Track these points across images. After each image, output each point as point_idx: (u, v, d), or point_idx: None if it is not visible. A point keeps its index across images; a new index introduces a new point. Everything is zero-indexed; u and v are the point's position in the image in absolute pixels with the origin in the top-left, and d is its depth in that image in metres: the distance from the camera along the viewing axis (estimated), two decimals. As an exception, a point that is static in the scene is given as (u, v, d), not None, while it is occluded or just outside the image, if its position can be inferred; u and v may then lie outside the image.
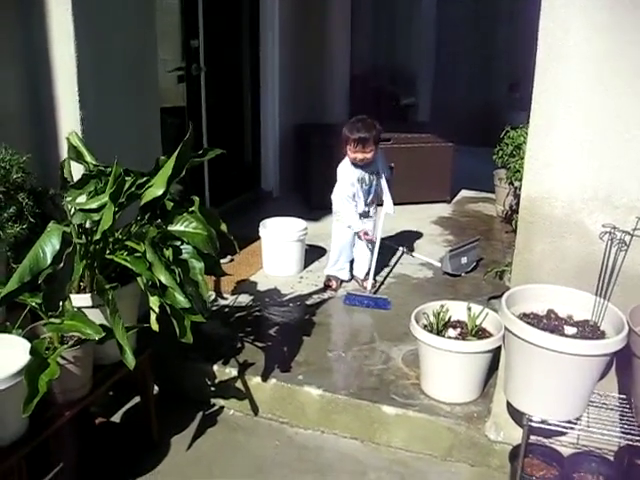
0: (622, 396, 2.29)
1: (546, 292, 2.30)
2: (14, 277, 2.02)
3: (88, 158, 2.50)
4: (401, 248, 4.40)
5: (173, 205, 2.38)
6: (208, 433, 2.81)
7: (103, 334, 2.11)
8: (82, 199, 2.32)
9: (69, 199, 2.33)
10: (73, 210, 2.30)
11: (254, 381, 2.91)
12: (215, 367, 2.98)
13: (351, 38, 6.93)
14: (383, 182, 3.76)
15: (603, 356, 2.05)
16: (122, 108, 3.08)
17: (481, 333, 2.80)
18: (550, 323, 2.23)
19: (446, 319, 2.84)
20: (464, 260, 4.09)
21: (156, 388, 2.98)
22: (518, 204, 2.37)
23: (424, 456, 2.69)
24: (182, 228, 2.33)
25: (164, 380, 3.01)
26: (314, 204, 5.02)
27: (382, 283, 3.93)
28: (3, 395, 1.94)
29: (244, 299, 3.68)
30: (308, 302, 3.67)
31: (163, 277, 2.13)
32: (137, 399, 2.87)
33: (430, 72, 8.56)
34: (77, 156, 2.50)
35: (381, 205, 3.82)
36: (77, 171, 2.54)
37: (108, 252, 2.34)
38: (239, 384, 2.93)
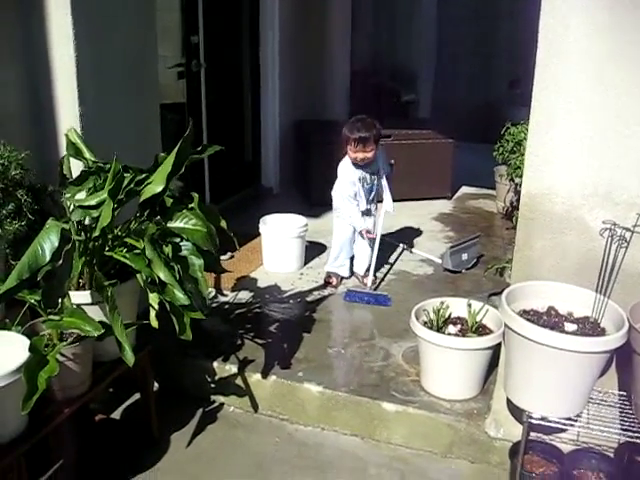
0: (622, 393, 2.29)
1: (546, 289, 2.30)
2: (13, 274, 2.02)
3: (87, 155, 2.49)
4: (401, 245, 4.40)
5: (172, 202, 2.38)
6: (208, 430, 2.81)
7: (102, 331, 2.11)
8: (81, 196, 2.31)
9: (68, 196, 2.32)
10: (72, 207, 2.29)
11: (254, 378, 2.91)
12: (215, 364, 2.98)
13: (352, 35, 6.91)
14: (383, 180, 3.76)
15: (603, 353, 2.05)
16: (122, 106, 3.08)
17: (481, 330, 2.80)
18: (550, 320, 2.23)
19: (446, 316, 2.83)
20: (464, 257, 4.08)
21: (156, 385, 2.98)
22: (519, 200, 2.37)
23: (424, 453, 2.69)
24: (181, 225, 2.32)
25: (164, 377, 3.01)
26: (314, 200, 5.01)
27: (382, 279, 3.92)
28: (2, 392, 1.93)
29: (244, 296, 3.68)
30: (308, 299, 3.67)
31: (162, 274, 2.13)
32: (137, 396, 2.87)
33: (430, 69, 8.55)
34: (76, 153, 2.50)
35: (381, 202, 3.82)
36: (76, 168, 2.54)
37: (107, 249, 2.34)
38: (239, 381, 2.93)
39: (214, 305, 3.54)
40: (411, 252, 4.34)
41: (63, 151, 2.57)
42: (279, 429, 2.84)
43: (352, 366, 3.01)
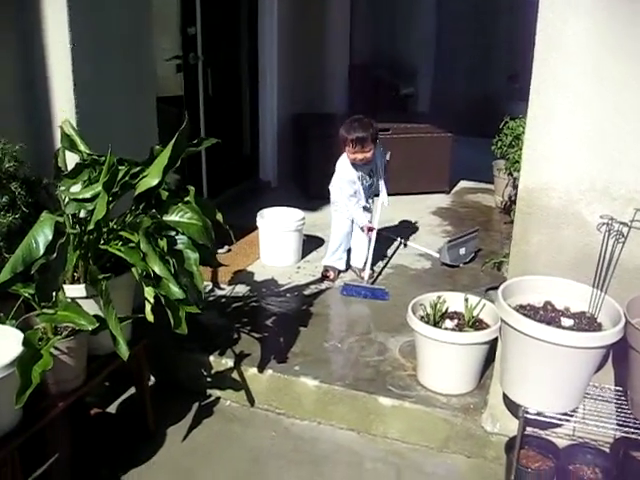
0: (618, 388, 2.28)
1: (543, 284, 2.29)
2: (6, 267, 2.01)
3: (82, 147, 2.47)
4: (399, 239, 4.39)
5: (168, 195, 2.36)
6: (204, 424, 2.81)
7: (97, 325, 2.10)
8: (76, 188, 2.30)
9: (62, 188, 2.31)
10: (67, 200, 2.28)
11: (250, 372, 2.90)
12: (211, 358, 2.98)
13: (350, 28, 6.88)
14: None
15: (600, 348, 2.04)
16: (118, 99, 3.05)
17: (478, 324, 2.79)
18: (547, 315, 2.22)
19: (443, 310, 2.83)
20: (462, 251, 4.07)
21: (152, 379, 2.98)
22: (517, 195, 2.36)
23: (420, 447, 2.69)
24: (177, 218, 2.31)
25: (160, 371, 3.01)
26: (312, 194, 4.99)
27: (380, 274, 3.92)
28: (-4, 386, 1.93)
29: (241, 289, 3.67)
30: (305, 292, 3.66)
31: (157, 268, 2.12)
32: (133, 390, 2.86)
33: (430, 63, 8.51)
34: (71, 145, 2.48)
35: (377, 195, 3.81)
36: (72, 160, 2.52)
37: (102, 242, 2.32)
38: (235, 375, 2.92)
39: (211, 298, 3.53)
40: (405, 246, 4.33)
41: (58, 143, 2.55)
42: (275, 423, 2.84)
43: (349, 360, 3.00)
